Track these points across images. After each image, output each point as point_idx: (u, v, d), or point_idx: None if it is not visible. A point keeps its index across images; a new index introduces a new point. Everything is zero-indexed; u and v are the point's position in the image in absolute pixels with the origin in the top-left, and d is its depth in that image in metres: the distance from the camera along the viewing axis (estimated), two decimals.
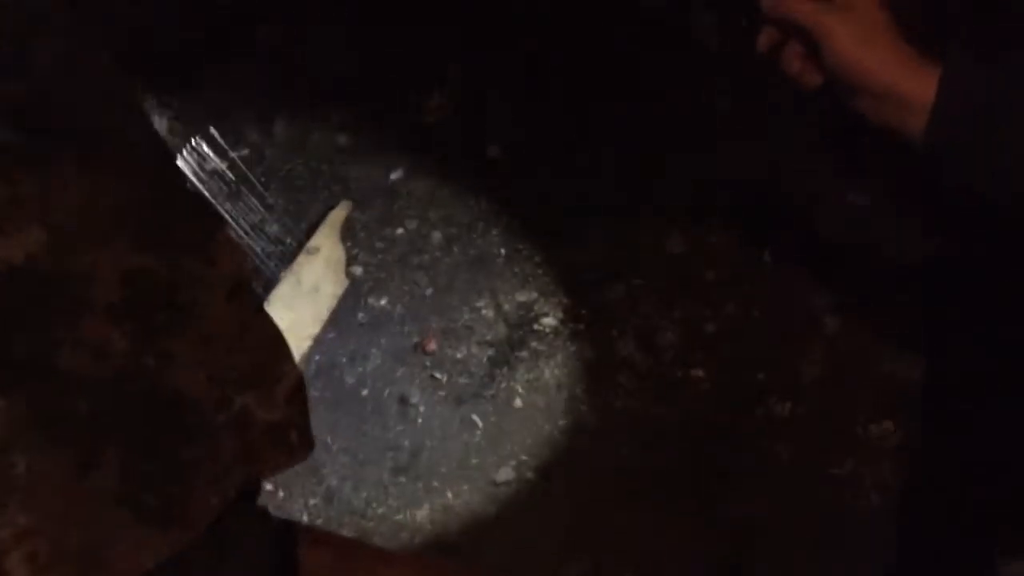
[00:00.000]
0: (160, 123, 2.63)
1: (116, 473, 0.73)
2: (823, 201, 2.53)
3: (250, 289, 0.84)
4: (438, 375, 2.17)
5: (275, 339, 0.85)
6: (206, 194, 2.30)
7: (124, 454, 0.74)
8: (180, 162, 2.31)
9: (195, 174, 2.39)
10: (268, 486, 2.00)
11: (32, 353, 0.69)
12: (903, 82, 1.17)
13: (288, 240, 2.41)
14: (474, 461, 2.00)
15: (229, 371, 0.80)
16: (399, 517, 1.89)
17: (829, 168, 2.64)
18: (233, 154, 2.51)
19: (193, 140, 2.42)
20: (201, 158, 2.43)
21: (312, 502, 1.91)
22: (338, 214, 2.51)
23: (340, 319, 2.29)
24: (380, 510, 1.91)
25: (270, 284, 2.35)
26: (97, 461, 0.72)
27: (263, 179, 2.62)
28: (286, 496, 1.98)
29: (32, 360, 0.69)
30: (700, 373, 2.18)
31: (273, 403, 0.83)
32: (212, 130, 2.49)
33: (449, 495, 1.94)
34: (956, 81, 1.15)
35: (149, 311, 0.74)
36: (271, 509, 1.05)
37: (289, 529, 1.02)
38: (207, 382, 0.78)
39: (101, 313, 0.72)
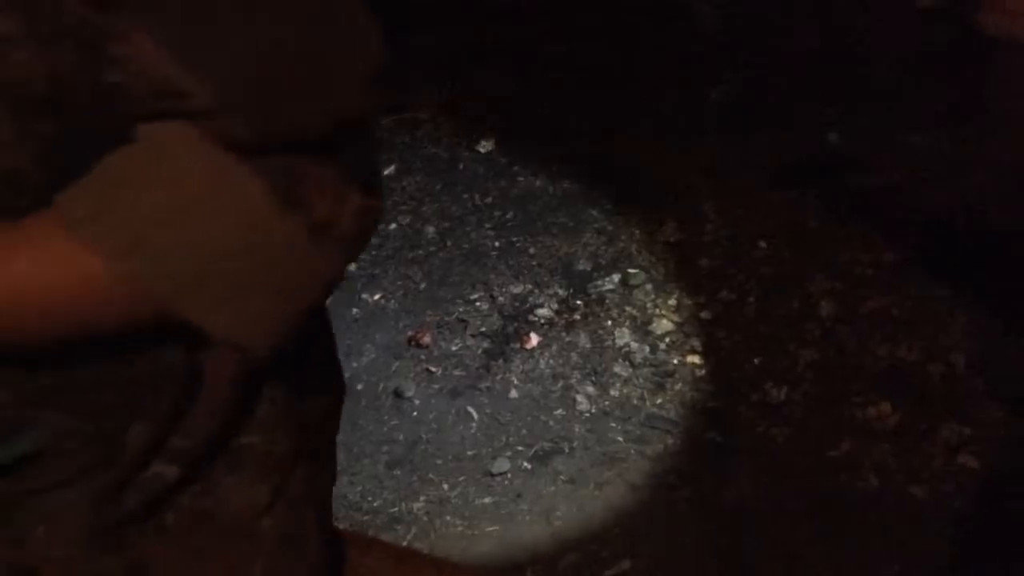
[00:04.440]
0: None
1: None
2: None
3: None
4: (433, 368, 2.17)
5: None
6: None
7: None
8: None
9: None
10: None
11: None
12: None
13: None
14: (470, 453, 1.99)
15: None
16: (394, 510, 1.89)
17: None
18: None
19: None
20: None
21: None
22: None
23: (334, 315, 2.27)
24: (376, 503, 1.90)
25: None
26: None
27: None
28: None
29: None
30: (696, 360, 2.17)
31: None
32: None
33: (445, 487, 1.93)
34: None
35: None
36: None
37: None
38: None
39: None
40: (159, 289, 0.66)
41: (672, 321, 2.25)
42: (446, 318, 2.29)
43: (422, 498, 1.91)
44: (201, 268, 0.66)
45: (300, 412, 0.87)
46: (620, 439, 2.02)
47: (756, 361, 2.15)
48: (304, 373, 0.85)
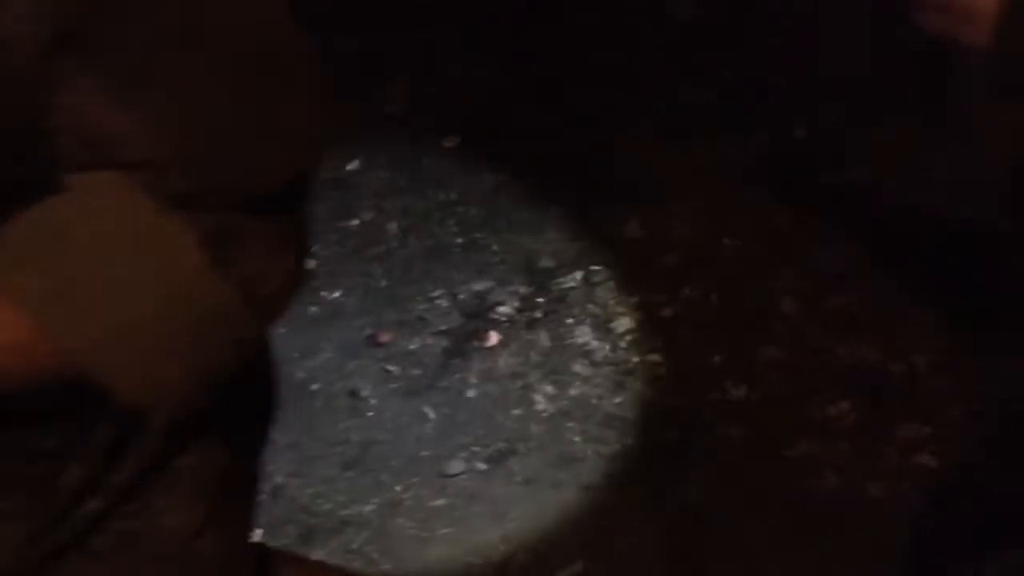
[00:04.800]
0: None
1: None
2: None
3: None
4: (390, 367, 2.15)
5: None
6: None
7: None
8: None
9: None
10: None
11: None
12: None
13: None
14: (425, 454, 1.97)
15: None
16: (346, 512, 1.87)
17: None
18: None
19: None
20: None
21: (257, 499, 1.88)
22: None
23: (291, 313, 2.23)
24: (326, 506, 1.88)
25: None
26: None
27: None
28: None
29: None
30: (656, 358, 2.15)
31: None
32: None
33: (398, 488, 1.91)
34: None
35: None
36: None
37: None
38: None
39: None
40: (70, 347, 0.64)
41: (634, 319, 2.23)
42: (406, 316, 2.27)
43: (374, 500, 1.89)
44: (119, 328, 0.64)
45: (235, 433, 0.86)
46: (577, 439, 2.00)
47: (717, 360, 2.13)
48: (241, 395, 0.84)
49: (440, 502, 1.88)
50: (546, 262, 2.38)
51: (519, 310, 2.27)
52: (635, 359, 2.15)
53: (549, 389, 2.09)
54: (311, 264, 2.35)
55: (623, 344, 2.18)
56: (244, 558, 0.92)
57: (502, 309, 2.27)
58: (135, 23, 0.62)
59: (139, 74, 0.63)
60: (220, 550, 0.86)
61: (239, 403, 0.85)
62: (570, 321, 2.23)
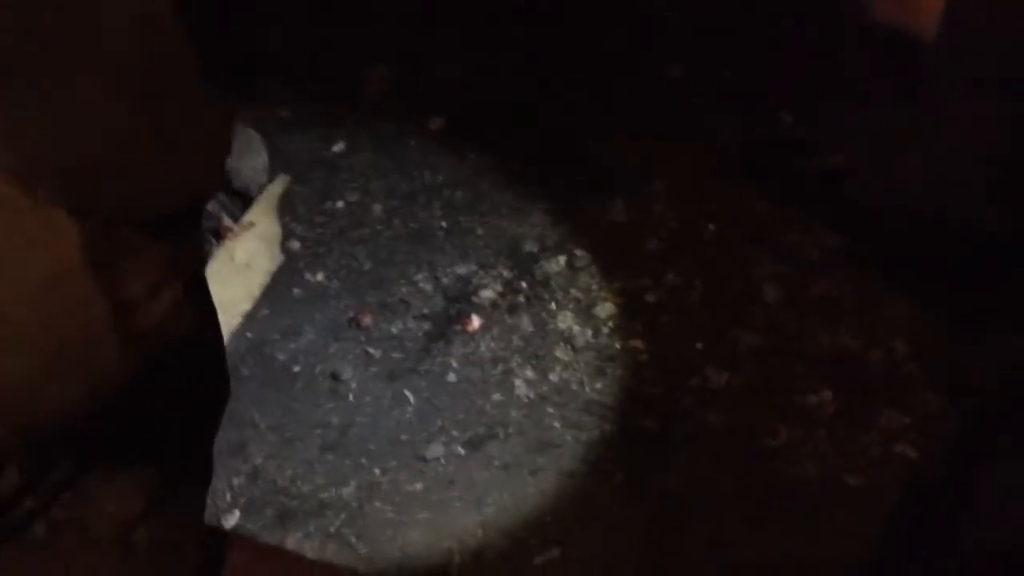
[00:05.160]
0: None
1: None
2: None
3: None
4: (372, 350, 2.14)
5: None
6: None
7: None
8: None
9: None
10: None
11: None
12: None
13: (223, 215, 2.37)
14: (404, 437, 1.97)
15: None
16: (324, 495, 1.86)
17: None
18: None
19: None
20: None
21: (236, 481, 1.88)
22: (275, 189, 2.47)
23: (274, 295, 2.26)
24: (305, 488, 1.87)
25: (207, 260, 2.31)
26: None
27: None
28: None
29: None
30: (638, 344, 2.15)
31: None
32: None
33: (377, 472, 1.91)
34: None
35: None
36: None
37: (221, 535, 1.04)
38: None
39: None
40: None
41: (616, 304, 2.22)
42: (388, 299, 2.26)
43: (353, 483, 1.88)
44: None
45: (181, 426, 0.85)
46: (557, 425, 1.99)
47: (699, 346, 2.13)
48: (185, 384, 0.83)
49: (418, 486, 1.88)
50: (530, 246, 2.37)
51: (502, 294, 2.26)
52: (617, 345, 2.14)
53: (530, 374, 2.09)
54: (295, 247, 2.32)
55: (605, 330, 2.17)
56: (187, 544, 0.91)
57: (485, 293, 2.26)
58: (13, 41, 0.61)
59: (11, 94, 0.61)
60: (163, 539, 0.86)
61: (185, 401, 0.84)
62: (553, 306, 2.23)
